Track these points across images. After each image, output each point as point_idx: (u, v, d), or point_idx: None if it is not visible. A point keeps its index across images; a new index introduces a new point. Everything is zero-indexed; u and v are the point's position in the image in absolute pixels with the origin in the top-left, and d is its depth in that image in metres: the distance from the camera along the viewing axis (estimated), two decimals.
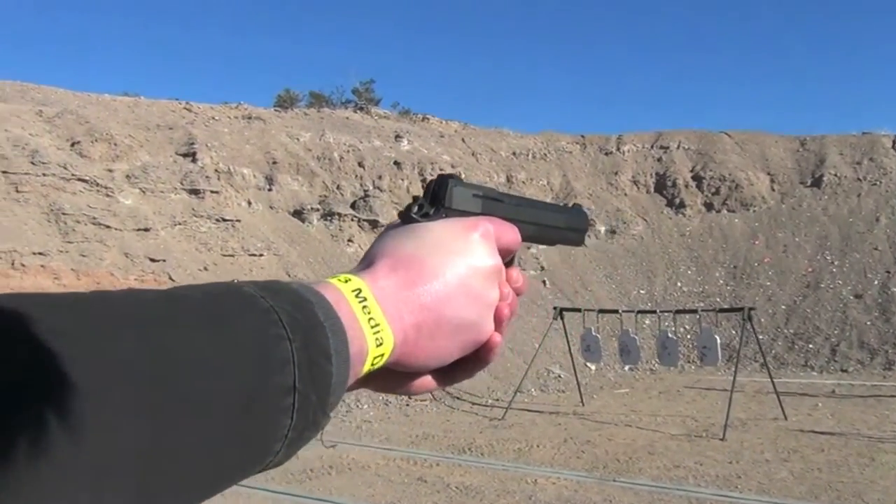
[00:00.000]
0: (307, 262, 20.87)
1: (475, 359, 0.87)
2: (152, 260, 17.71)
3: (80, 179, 18.58)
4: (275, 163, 23.97)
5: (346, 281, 0.74)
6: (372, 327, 0.72)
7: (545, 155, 32.15)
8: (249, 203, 22.48)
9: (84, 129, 20.74)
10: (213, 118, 25.65)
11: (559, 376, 19.47)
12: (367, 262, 0.82)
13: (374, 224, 23.53)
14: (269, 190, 23.36)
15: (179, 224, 19.70)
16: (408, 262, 0.80)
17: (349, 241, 22.77)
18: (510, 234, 0.92)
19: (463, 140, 31.00)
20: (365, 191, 24.84)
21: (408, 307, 0.77)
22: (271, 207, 22.89)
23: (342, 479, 10.57)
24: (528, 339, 20.61)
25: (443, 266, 0.81)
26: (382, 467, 11.26)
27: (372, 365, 0.73)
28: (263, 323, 0.61)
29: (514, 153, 31.50)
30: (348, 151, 26.08)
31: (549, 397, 17.95)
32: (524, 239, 1.04)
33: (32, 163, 18.22)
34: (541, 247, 27.15)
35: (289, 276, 19.62)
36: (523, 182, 29.92)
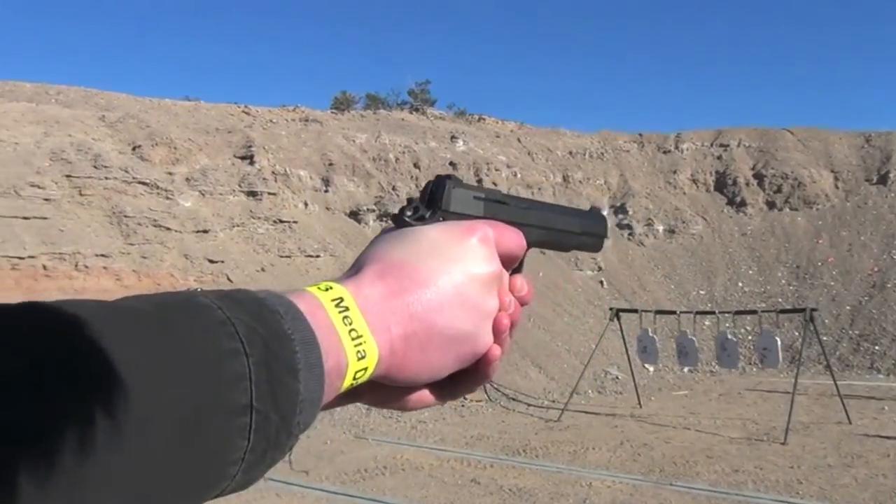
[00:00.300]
0: None
1: (475, 373, 0.82)
2: (211, 261, 17.96)
3: (140, 183, 18.94)
4: (331, 164, 24.14)
5: (328, 289, 0.69)
6: (353, 339, 0.67)
7: (602, 154, 31.86)
8: (306, 204, 22.67)
9: (145, 134, 21.14)
10: (271, 121, 25.94)
11: (616, 377, 19.25)
12: (355, 269, 0.77)
13: None
14: (326, 191, 23.53)
15: (237, 226, 19.95)
16: (397, 268, 0.75)
17: None
18: (513, 238, 0.86)
19: (519, 140, 30.87)
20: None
21: (396, 317, 0.72)
22: (327, 209, 23.06)
23: (395, 480, 10.57)
24: (585, 339, 20.43)
25: (436, 273, 0.76)
26: (436, 468, 11.23)
27: (354, 379, 0.68)
28: (216, 336, 0.56)
29: (570, 152, 31.27)
30: (404, 152, 26.16)
31: (605, 399, 17.76)
32: (533, 244, 0.98)
33: (95, 167, 18.62)
34: None
35: None
36: (580, 182, 29.69)
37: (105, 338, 0.51)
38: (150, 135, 21.15)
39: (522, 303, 0.86)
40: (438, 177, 0.90)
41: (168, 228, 18.16)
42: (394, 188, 24.68)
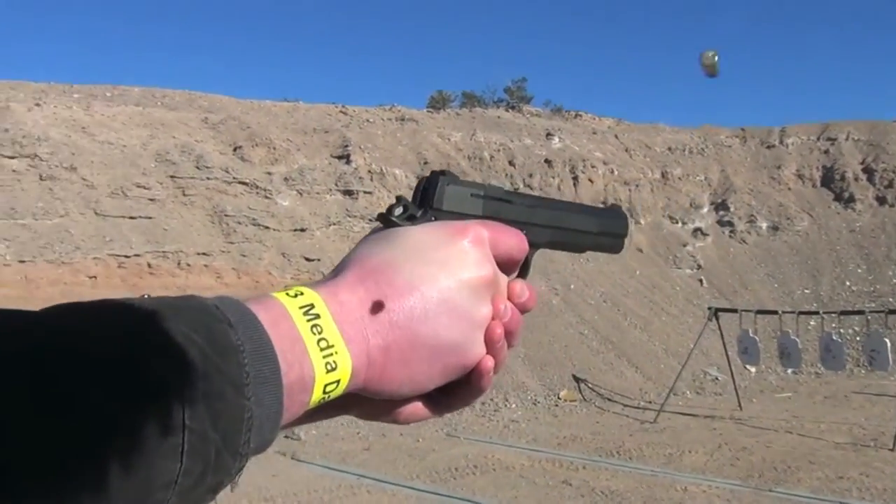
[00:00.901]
0: None
1: (468, 385, 0.77)
2: (308, 259, 18.28)
3: (241, 182, 19.41)
4: (426, 163, 24.24)
5: (297, 295, 0.65)
6: (322, 349, 0.62)
7: (703, 150, 31.08)
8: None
9: (245, 135, 21.64)
10: (368, 120, 26.22)
11: (716, 378, 18.76)
12: (335, 272, 0.72)
13: None
14: None
15: (334, 224, 20.25)
16: (378, 272, 0.70)
17: None
18: (512, 239, 0.80)
19: (616, 136, 30.40)
20: (515, 189, 24.70)
21: (374, 326, 0.67)
22: None
23: (485, 480, 10.53)
24: (683, 339, 19.97)
25: (420, 277, 0.70)
26: (527, 468, 11.14)
27: (325, 393, 0.63)
28: None
29: (669, 148, 30.62)
30: (499, 150, 26.09)
31: (704, 400, 17.32)
32: (544, 245, 0.91)
33: (197, 167, 19.18)
34: (698, 244, 26.31)
35: None
36: (679, 178, 29.05)
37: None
38: (251, 136, 21.64)
39: (523, 310, 0.80)
40: (433, 172, 0.85)
41: (266, 227, 18.56)
42: None
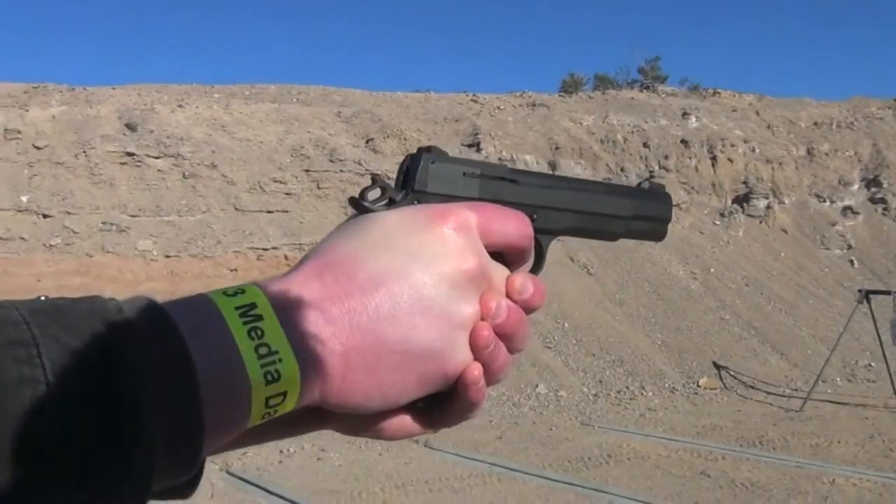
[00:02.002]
0: (590, 246, 20.59)
1: (458, 398, 0.65)
2: None
3: (372, 174, 19.68)
4: (557, 148, 23.95)
5: (237, 293, 0.55)
6: (261, 357, 0.53)
7: (852, 123, 29.39)
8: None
9: (377, 127, 21.96)
10: (498, 108, 26.10)
11: (869, 365, 17.72)
12: (295, 266, 0.63)
13: None
14: None
15: None
16: (338, 266, 0.60)
17: None
18: (509, 224, 0.68)
19: (757, 113, 29.14)
20: (650, 172, 24.12)
21: (332, 328, 0.57)
22: None
23: (619, 470, 10.29)
24: (833, 324, 18.97)
25: (388, 271, 0.60)
26: (663, 458, 10.82)
27: (269, 407, 0.54)
28: (2, 360, 0.43)
29: (815, 123, 29.11)
30: (632, 132, 25.46)
31: (855, 388, 16.38)
32: (563, 232, 0.79)
33: (331, 160, 19.60)
34: (848, 223, 24.98)
35: (572, 261, 19.54)
36: (826, 154, 27.57)
37: None
38: (382, 128, 21.94)
39: (528, 308, 0.67)
40: (418, 150, 0.74)
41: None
42: (622, 169, 24.10)
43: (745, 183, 25.22)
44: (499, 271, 0.67)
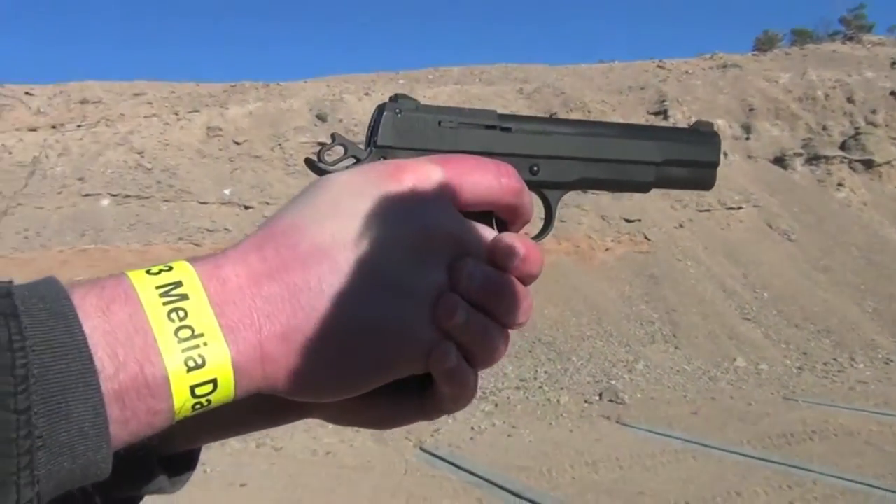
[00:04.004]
0: (791, 212, 19.53)
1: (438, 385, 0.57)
2: (627, 221, 17.95)
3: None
4: (752, 110, 22.80)
5: (161, 271, 0.49)
6: (182, 341, 0.46)
7: None
8: (725, 154, 21.67)
9: (560, 101, 21.73)
10: (687, 72, 25.21)
11: None
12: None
13: (868, 164, 21.21)
14: (747, 139, 22.30)
15: None
16: (281, 236, 0.53)
17: (839, 185, 20.79)
18: (486, 178, 0.59)
19: None
20: (856, 129, 22.48)
21: (270, 307, 0.50)
22: (749, 157, 21.82)
23: (825, 446, 9.67)
24: None
25: (333, 239, 0.52)
26: (875, 434, 10.07)
27: (198, 397, 0.47)
28: None
29: None
30: (834, 87, 23.84)
31: None
32: (574, 185, 0.71)
33: None
34: None
35: (770, 227, 18.59)
36: None
37: None
38: (565, 101, 21.69)
39: (520, 275, 0.57)
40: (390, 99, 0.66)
41: (584, 191, 18.46)
42: (824, 128, 22.61)
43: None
44: (477, 233, 0.57)
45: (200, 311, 0.47)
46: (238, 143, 18.65)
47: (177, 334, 0.46)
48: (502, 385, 12.32)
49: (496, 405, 11.55)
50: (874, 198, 20.41)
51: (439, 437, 10.25)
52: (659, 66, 26.31)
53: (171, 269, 0.49)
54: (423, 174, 0.56)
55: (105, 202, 16.71)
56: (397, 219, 0.53)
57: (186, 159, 18.31)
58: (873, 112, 23.02)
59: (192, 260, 0.51)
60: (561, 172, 0.67)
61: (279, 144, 18.71)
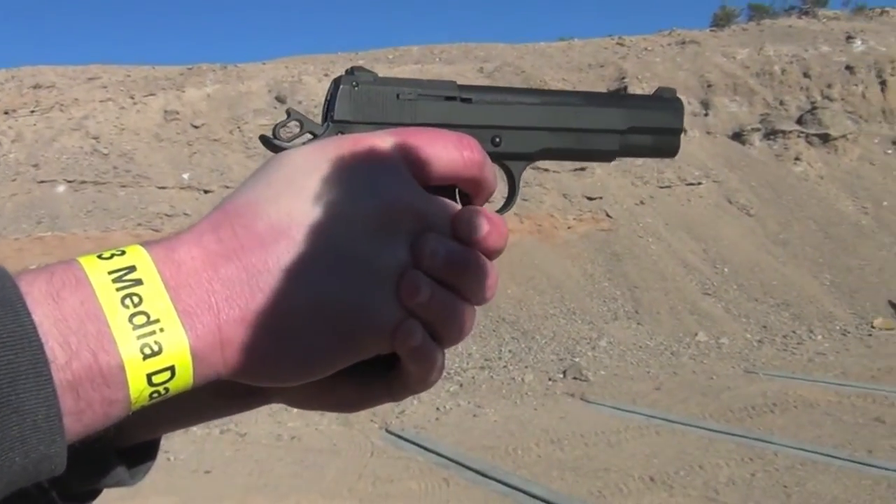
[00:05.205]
0: (749, 186, 19.74)
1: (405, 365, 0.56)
2: (589, 199, 18.04)
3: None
4: (709, 86, 22.97)
5: (114, 256, 0.47)
6: (136, 327, 0.45)
7: None
8: (685, 131, 21.83)
9: (520, 79, 21.70)
10: (646, 49, 25.30)
11: None
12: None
13: (824, 138, 21.47)
14: (705, 115, 22.47)
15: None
16: (236, 216, 0.51)
17: (796, 160, 21.03)
18: (446, 149, 0.57)
19: None
20: (812, 103, 22.75)
21: (227, 290, 0.48)
22: (708, 133, 22.01)
23: (786, 418, 9.84)
24: None
25: (288, 217, 0.51)
26: (834, 405, 10.27)
27: (154, 385, 0.45)
28: None
29: None
30: (791, 62, 24.07)
31: None
32: (537, 156, 0.69)
33: None
34: None
35: (729, 202, 18.79)
36: None
37: None
38: (525, 79, 21.67)
39: (484, 249, 0.56)
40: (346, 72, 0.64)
41: (546, 169, 18.49)
42: (781, 103, 22.85)
43: None
44: (440, 208, 0.56)
45: (155, 295, 0.46)
46: (196, 127, 18.42)
47: (131, 321, 0.45)
48: (467, 365, 12.36)
49: (461, 385, 11.58)
50: (830, 171, 20.69)
51: (405, 419, 10.27)
52: (618, 44, 26.38)
53: (123, 253, 0.48)
54: (381, 148, 0.55)
55: (61, 189, 16.45)
56: (356, 195, 0.52)
57: (143, 144, 18.06)
58: (829, 86, 23.30)
59: (146, 244, 0.49)
60: (524, 143, 0.66)
61: (238, 127, 18.51)
